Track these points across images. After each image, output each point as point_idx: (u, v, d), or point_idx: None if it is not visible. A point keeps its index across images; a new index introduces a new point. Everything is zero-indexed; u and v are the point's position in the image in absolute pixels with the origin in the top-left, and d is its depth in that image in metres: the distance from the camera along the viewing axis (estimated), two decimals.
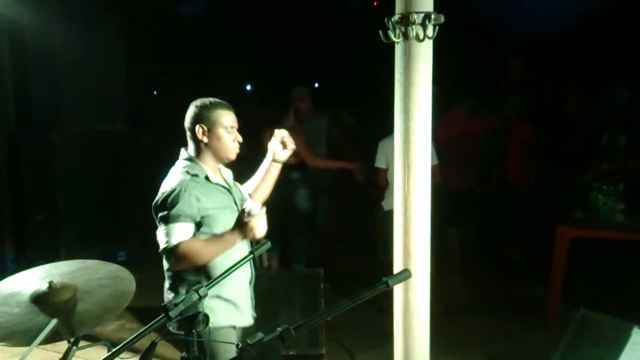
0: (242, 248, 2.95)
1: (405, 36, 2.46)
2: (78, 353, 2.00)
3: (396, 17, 2.46)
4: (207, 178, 2.94)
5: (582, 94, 7.67)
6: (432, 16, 2.42)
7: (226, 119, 2.95)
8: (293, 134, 3.51)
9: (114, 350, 1.72)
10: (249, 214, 2.84)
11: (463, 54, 8.99)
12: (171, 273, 2.96)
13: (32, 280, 2.10)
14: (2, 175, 7.02)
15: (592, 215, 5.51)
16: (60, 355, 2.00)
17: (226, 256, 2.85)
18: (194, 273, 2.89)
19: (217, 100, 2.99)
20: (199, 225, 2.86)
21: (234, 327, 3.02)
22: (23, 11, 6.62)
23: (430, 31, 2.44)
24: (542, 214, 6.40)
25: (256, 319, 3.24)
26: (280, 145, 3.30)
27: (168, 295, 2.98)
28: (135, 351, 1.95)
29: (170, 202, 2.78)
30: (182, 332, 1.93)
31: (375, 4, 10.98)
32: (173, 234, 2.76)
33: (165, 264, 2.96)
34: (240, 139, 3.00)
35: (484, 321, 5.61)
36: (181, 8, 10.14)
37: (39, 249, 6.82)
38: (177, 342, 3.10)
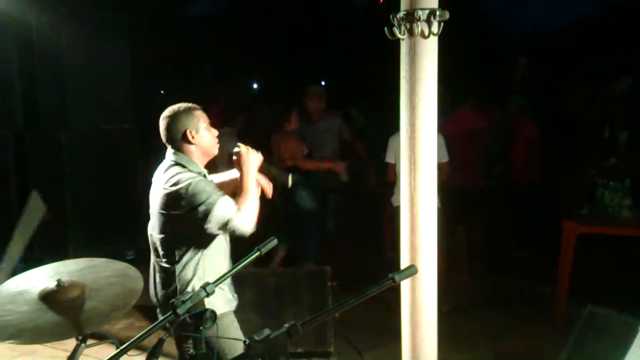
0: (224, 248, 3.21)
1: (411, 33, 2.46)
2: (86, 351, 2.01)
3: (401, 14, 2.46)
4: (204, 176, 3.17)
5: (586, 90, 7.64)
6: (437, 12, 2.42)
7: (204, 119, 3.16)
8: (289, 136, 3.58)
9: (121, 347, 1.72)
10: (239, 151, 3.13)
11: (468, 51, 8.99)
12: (168, 267, 3.09)
13: (40, 278, 2.12)
14: (10, 175, 7.06)
15: (599, 211, 5.49)
16: (68, 354, 2.01)
17: (215, 252, 3.12)
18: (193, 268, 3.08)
19: (188, 104, 3.17)
20: None
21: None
22: (30, 12, 6.65)
23: (435, 28, 2.44)
24: (548, 211, 6.38)
25: (261, 316, 3.32)
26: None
27: (160, 290, 3.15)
28: (143, 349, 1.96)
29: (199, 190, 2.96)
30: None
31: (381, 1, 10.96)
32: (227, 207, 2.96)
33: (161, 261, 3.12)
34: (217, 133, 3.23)
35: (491, 318, 5.61)
36: (188, 8, 10.16)
37: (48, 248, 6.84)
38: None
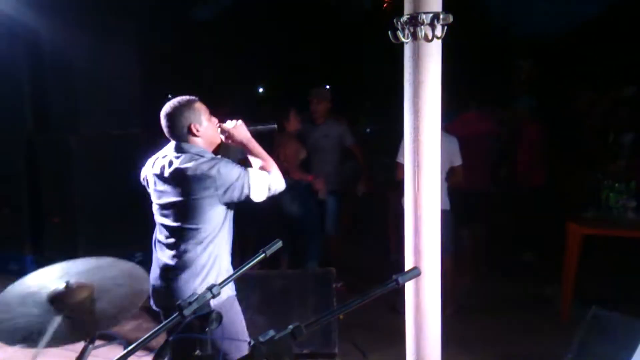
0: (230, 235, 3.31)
1: (414, 36, 2.48)
2: (94, 352, 2.03)
3: (405, 18, 2.48)
4: None
5: (591, 92, 7.65)
6: (441, 16, 2.43)
7: (204, 110, 3.24)
8: (289, 139, 3.66)
9: (129, 348, 1.74)
10: (230, 124, 3.31)
11: (472, 53, 8.99)
12: (185, 256, 3.16)
13: (49, 279, 2.13)
14: (21, 179, 7.11)
15: (604, 213, 5.49)
16: (76, 354, 2.03)
17: (225, 240, 3.25)
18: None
19: (186, 97, 3.25)
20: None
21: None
22: (40, 18, 6.69)
23: (439, 31, 2.46)
24: (553, 213, 6.38)
25: (267, 317, 3.39)
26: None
27: (185, 285, 3.15)
28: (150, 349, 1.98)
29: (229, 168, 3.12)
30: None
31: (385, 5, 10.98)
32: (259, 174, 3.20)
33: (175, 252, 3.18)
34: (217, 121, 3.32)
35: (495, 320, 5.61)
36: (194, 12, 10.19)
37: (57, 250, 6.88)
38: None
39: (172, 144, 3.26)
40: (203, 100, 3.31)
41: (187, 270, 3.16)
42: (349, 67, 11.66)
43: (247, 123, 3.42)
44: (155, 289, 3.27)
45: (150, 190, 3.36)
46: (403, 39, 2.50)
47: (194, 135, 3.19)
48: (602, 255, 6.36)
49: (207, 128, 3.22)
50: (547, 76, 10.10)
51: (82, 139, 7.04)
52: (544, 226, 6.63)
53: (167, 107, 3.22)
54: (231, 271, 3.22)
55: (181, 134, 3.20)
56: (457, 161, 5.54)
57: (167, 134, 3.26)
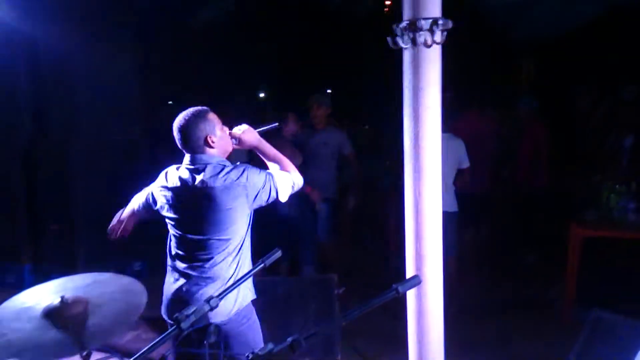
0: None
1: (413, 42, 2.46)
2: None
3: (404, 24, 2.47)
4: None
5: (593, 94, 7.63)
6: (440, 22, 2.42)
7: (217, 120, 3.22)
8: (285, 144, 3.70)
9: None
10: (238, 130, 3.32)
11: (473, 54, 8.97)
12: (213, 269, 3.16)
13: (45, 294, 2.12)
14: (19, 186, 7.09)
15: (605, 215, 5.48)
16: None
17: (248, 246, 3.28)
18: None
19: (199, 108, 3.21)
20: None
21: None
22: (38, 23, 6.68)
23: (438, 37, 2.45)
24: (555, 215, 6.37)
25: (268, 324, 3.40)
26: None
27: (229, 305, 3.14)
28: None
29: (254, 173, 3.17)
30: None
31: (386, 10, 10.98)
32: (281, 174, 3.29)
33: (203, 266, 3.17)
34: (227, 128, 3.30)
35: (498, 323, 5.59)
36: (195, 18, 10.18)
37: (56, 259, 6.87)
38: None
39: (187, 156, 3.23)
40: (205, 105, 3.28)
41: (218, 280, 3.15)
42: (349, 72, 11.65)
43: (251, 126, 3.42)
44: (175, 301, 3.22)
45: (165, 206, 3.29)
46: (402, 45, 2.49)
47: (210, 146, 3.17)
48: (604, 257, 6.34)
49: (221, 138, 3.21)
50: (548, 77, 10.09)
51: (80, 145, 7.02)
52: (547, 228, 6.61)
53: (180, 120, 3.17)
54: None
55: (196, 146, 3.16)
56: (465, 163, 5.57)
57: (181, 146, 3.22)
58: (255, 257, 2.19)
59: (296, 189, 3.34)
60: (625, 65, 8.24)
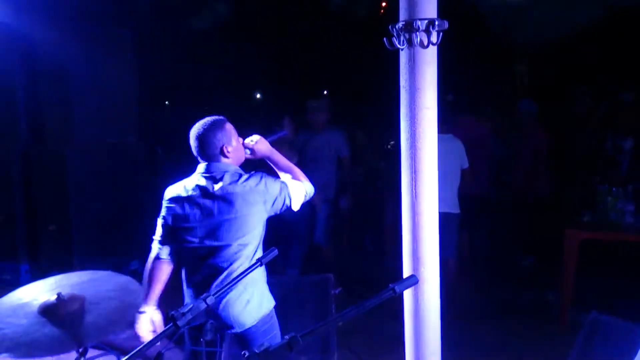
0: None
1: (410, 43, 2.47)
2: None
3: (400, 24, 2.47)
4: None
5: (591, 97, 7.64)
6: (436, 22, 2.42)
7: (233, 130, 3.27)
8: (279, 144, 3.76)
9: (124, 359, 1.72)
10: (251, 140, 3.37)
11: (472, 58, 8.99)
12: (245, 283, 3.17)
13: (43, 291, 2.12)
14: (16, 188, 7.09)
15: (601, 217, 5.48)
16: None
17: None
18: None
19: (216, 118, 3.27)
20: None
21: None
22: (35, 28, 6.68)
23: (434, 37, 2.45)
24: (552, 218, 6.37)
25: None
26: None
27: (237, 300, 3.17)
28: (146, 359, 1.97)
29: (271, 181, 3.27)
30: None
31: (381, 12, 10.99)
32: (294, 183, 3.36)
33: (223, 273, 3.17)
34: (241, 139, 3.36)
35: (495, 326, 5.59)
36: (192, 21, 10.19)
37: (53, 259, 6.87)
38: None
39: (202, 165, 3.27)
40: (202, 108, 3.32)
41: (239, 286, 3.13)
42: (344, 75, 11.66)
43: (262, 136, 3.47)
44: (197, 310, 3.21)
45: (179, 217, 3.26)
46: (398, 46, 2.49)
47: (225, 156, 3.23)
48: (601, 260, 6.34)
49: (236, 148, 3.28)
50: (546, 81, 10.11)
51: (77, 147, 7.02)
52: (545, 230, 6.61)
53: (199, 128, 3.22)
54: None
55: (213, 155, 3.22)
56: (465, 164, 5.61)
57: (197, 154, 3.26)
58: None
59: (308, 197, 3.41)
60: (623, 69, 8.25)
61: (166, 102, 11.20)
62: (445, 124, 4.85)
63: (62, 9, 6.53)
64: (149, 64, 8.58)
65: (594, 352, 3.90)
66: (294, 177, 3.41)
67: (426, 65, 2.49)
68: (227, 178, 3.17)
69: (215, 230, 3.17)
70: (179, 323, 1.79)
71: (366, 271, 6.94)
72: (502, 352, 5.06)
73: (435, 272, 2.67)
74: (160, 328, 3.05)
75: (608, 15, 8.60)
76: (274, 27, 10.90)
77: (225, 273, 3.16)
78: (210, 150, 3.20)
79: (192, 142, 3.23)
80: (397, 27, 2.47)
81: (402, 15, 2.47)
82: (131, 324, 2.01)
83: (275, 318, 3.38)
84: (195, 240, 3.20)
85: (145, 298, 3.06)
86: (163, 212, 3.30)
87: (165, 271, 3.28)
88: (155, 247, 3.31)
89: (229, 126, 3.26)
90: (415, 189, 2.61)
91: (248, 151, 3.37)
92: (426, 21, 2.41)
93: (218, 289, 2.03)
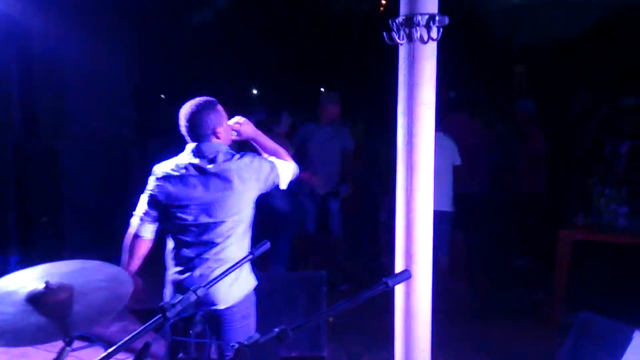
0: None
1: (409, 38, 2.45)
2: (77, 353, 1.99)
3: (400, 19, 2.45)
4: None
5: (587, 99, 7.64)
6: (437, 18, 2.41)
7: (224, 112, 3.27)
8: (275, 138, 3.80)
9: (109, 350, 1.70)
10: (237, 122, 3.41)
11: (471, 58, 8.99)
12: (235, 251, 3.23)
13: (30, 279, 2.09)
14: (9, 180, 7.04)
15: (595, 219, 5.48)
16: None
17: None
18: None
19: (208, 98, 3.25)
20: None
21: None
22: (29, 19, 6.64)
23: (434, 33, 2.43)
24: (546, 218, 6.37)
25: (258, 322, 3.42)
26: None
27: (240, 290, 3.22)
28: (133, 351, 1.94)
29: (262, 160, 3.32)
30: None
31: (381, 9, 10.97)
32: (283, 163, 3.39)
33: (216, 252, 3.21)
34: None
35: (486, 325, 5.58)
36: (189, 13, 10.15)
37: (44, 251, 6.83)
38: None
39: (191, 145, 3.24)
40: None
41: (228, 263, 3.11)
42: (342, 70, 11.65)
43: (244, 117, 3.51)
44: (185, 288, 3.20)
45: (172, 195, 3.24)
46: (398, 41, 2.48)
47: (216, 136, 3.23)
48: (593, 261, 6.34)
49: (225, 130, 3.29)
50: (545, 82, 10.11)
51: (71, 139, 6.99)
52: (537, 232, 6.62)
53: (191, 107, 3.19)
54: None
55: (204, 135, 3.20)
56: (457, 161, 5.63)
57: (187, 133, 3.23)
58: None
59: (293, 177, 3.46)
60: (622, 72, 8.26)
61: (162, 96, 11.17)
62: (438, 121, 4.87)
63: (56, 0, 6.49)
64: (145, 57, 8.54)
65: (584, 351, 3.92)
66: (279, 157, 3.44)
67: (425, 61, 2.48)
68: (221, 157, 3.18)
69: (209, 207, 3.17)
70: (169, 314, 1.76)
71: (360, 268, 6.93)
72: (492, 351, 5.05)
73: (428, 270, 2.66)
74: (143, 292, 3.18)
75: (609, 17, 8.61)
76: (273, 21, 10.88)
77: (217, 248, 3.19)
78: (202, 131, 3.18)
79: (183, 122, 3.20)
80: (397, 21, 2.46)
81: (403, 9, 2.46)
82: (118, 313, 1.98)
83: (254, 303, 3.36)
84: (190, 217, 3.20)
85: (128, 268, 3.28)
86: (151, 190, 3.28)
87: (144, 248, 3.34)
88: (135, 223, 3.34)
89: (220, 107, 3.26)
90: (410, 186, 2.60)
91: (234, 133, 3.39)
92: (427, 16, 2.40)
93: (210, 280, 2.01)
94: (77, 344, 1.98)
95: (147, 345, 1.82)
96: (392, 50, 2.55)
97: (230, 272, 2.06)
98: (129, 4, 7.45)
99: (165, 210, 3.25)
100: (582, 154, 7.17)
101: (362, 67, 10.49)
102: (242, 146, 3.60)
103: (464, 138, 6.34)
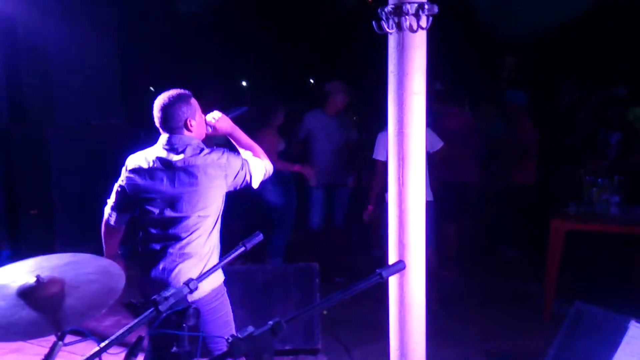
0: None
1: (399, 27, 2.44)
2: (71, 348, 1.98)
3: (389, 8, 2.44)
4: None
5: (576, 90, 7.65)
6: (426, 6, 2.40)
7: (197, 105, 3.29)
8: (268, 131, 3.78)
9: (101, 345, 1.69)
10: (213, 117, 3.38)
11: (460, 48, 8.99)
12: (200, 246, 3.22)
13: (21, 272, 2.07)
14: None
15: (587, 208, 5.48)
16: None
17: (218, 239, 3.33)
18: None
19: (181, 91, 3.27)
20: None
21: None
22: (17, 7, 6.57)
23: (424, 22, 2.43)
24: (539, 209, 6.38)
25: (249, 312, 3.42)
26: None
27: (188, 274, 3.14)
28: (126, 345, 1.93)
29: (233, 156, 3.29)
30: None
31: (370, 0, 10.94)
32: (255, 160, 3.39)
33: (180, 245, 3.20)
34: (204, 116, 3.37)
35: (479, 316, 5.59)
36: (178, 3, 10.10)
37: (34, 244, 6.79)
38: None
39: (164, 136, 3.26)
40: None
41: (195, 257, 3.20)
42: (335, 61, 11.63)
43: (222, 112, 3.49)
44: (152, 279, 3.24)
45: (140, 187, 3.28)
46: (387, 30, 2.46)
47: (188, 129, 3.23)
48: (586, 250, 6.36)
49: (199, 124, 3.28)
50: (535, 72, 10.12)
51: (60, 129, 6.93)
52: (529, 222, 6.63)
53: (164, 99, 3.22)
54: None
55: (176, 127, 3.21)
56: (437, 145, 5.55)
57: (159, 125, 3.26)
58: (236, 241, 2.19)
59: (267, 175, 3.45)
60: (613, 62, 8.27)
61: (151, 88, 11.12)
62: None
63: None
64: (134, 45, 8.49)
65: (578, 341, 3.92)
66: (255, 155, 3.44)
67: (415, 50, 2.47)
68: (189, 151, 3.19)
69: (175, 201, 3.18)
70: (161, 308, 1.76)
71: (354, 260, 6.93)
72: (485, 342, 5.06)
73: (421, 260, 2.66)
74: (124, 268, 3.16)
75: (600, 7, 8.61)
76: (262, 12, 10.84)
77: (183, 242, 3.19)
78: (173, 123, 3.20)
79: (156, 113, 3.24)
80: (386, 10, 2.45)
81: None
82: (112, 308, 1.96)
83: (225, 297, 3.33)
84: (156, 210, 3.23)
85: (105, 253, 3.48)
86: (121, 181, 3.35)
87: (115, 234, 3.51)
88: (106, 212, 3.46)
89: (193, 101, 3.27)
90: (402, 176, 2.59)
91: (210, 128, 3.39)
92: (416, 5, 2.39)
93: (201, 273, 2.00)
94: (70, 338, 1.96)
95: (140, 339, 1.81)
96: (382, 40, 2.54)
97: (221, 265, 2.05)
98: None
99: (133, 202, 3.32)
100: (573, 143, 7.17)
101: (351, 57, 10.47)
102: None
103: (456, 128, 6.34)
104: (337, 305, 1.83)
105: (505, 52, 11.32)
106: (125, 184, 3.32)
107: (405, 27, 2.42)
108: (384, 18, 2.45)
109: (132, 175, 3.29)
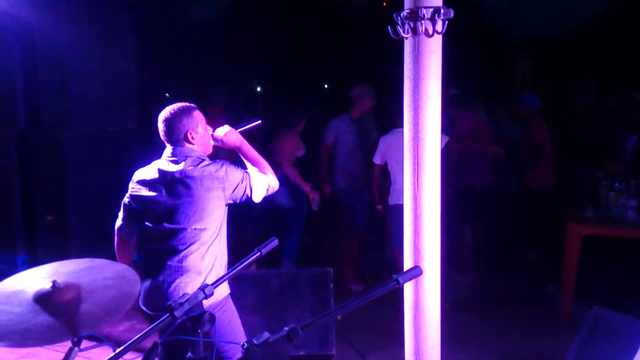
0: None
1: (414, 31, 2.43)
2: (86, 353, 1.98)
3: (405, 13, 2.44)
4: None
5: (592, 92, 7.59)
6: (442, 11, 2.39)
7: (201, 118, 3.35)
8: (291, 135, 3.78)
9: (118, 350, 1.69)
10: (220, 132, 3.40)
11: (473, 52, 8.95)
12: (199, 259, 3.22)
13: (38, 278, 2.08)
14: (13, 177, 7.03)
15: (604, 213, 5.44)
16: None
17: (223, 250, 3.35)
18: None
19: (185, 104, 3.34)
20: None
21: None
22: (34, 12, 6.61)
23: (439, 26, 2.42)
24: (555, 212, 6.34)
25: (263, 318, 3.46)
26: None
27: (187, 286, 3.18)
28: (142, 351, 1.93)
29: (233, 169, 3.29)
30: None
31: (384, 4, 10.93)
32: (258, 176, 3.37)
33: (182, 257, 3.21)
34: (212, 131, 3.41)
35: (496, 320, 5.57)
36: (194, 9, 10.13)
37: (50, 250, 6.81)
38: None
39: (168, 148, 3.34)
40: (201, 100, 3.38)
41: (192, 271, 3.22)
42: (346, 67, 11.62)
43: (233, 125, 3.51)
44: (151, 291, 3.28)
45: (142, 199, 3.36)
46: (403, 34, 2.46)
47: (189, 141, 3.29)
48: (603, 255, 6.31)
49: (202, 136, 3.33)
50: (550, 75, 10.06)
51: (76, 135, 6.95)
52: (545, 225, 6.59)
53: (166, 112, 3.31)
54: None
55: (177, 139, 3.29)
56: (443, 140, 5.53)
57: (162, 137, 3.35)
58: (253, 246, 2.19)
59: (271, 191, 3.45)
60: (630, 65, 8.21)
61: (166, 95, 11.16)
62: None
63: None
64: (150, 51, 8.52)
65: (596, 346, 3.88)
66: (260, 170, 3.44)
67: (431, 54, 2.46)
68: (188, 162, 3.24)
69: (172, 213, 3.22)
70: (176, 313, 1.76)
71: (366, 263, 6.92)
72: (502, 345, 5.04)
73: (436, 265, 2.64)
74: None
75: (616, 9, 8.55)
76: (277, 17, 10.85)
77: (180, 255, 3.21)
78: (175, 135, 3.27)
79: (159, 126, 3.32)
80: (401, 15, 2.44)
81: (407, 3, 2.44)
82: (126, 313, 1.97)
83: (232, 308, 3.36)
84: (156, 222, 3.28)
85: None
86: (128, 194, 3.44)
87: (127, 246, 3.56)
88: (117, 224, 3.56)
89: (196, 113, 3.32)
90: (417, 181, 2.58)
91: (217, 142, 3.43)
92: (432, 9, 2.38)
93: (215, 280, 2.01)
94: (85, 343, 1.96)
95: (155, 345, 1.81)
96: (398, 45, 2.54)
97: (235, 271, 2.05)
98: None
99: (138, 214, 3.38)
100: (589, 146, 7.11)
101: (366, 63, 10.45)
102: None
103: (472, 132, 6.32)
104: (353, 310, 1.82)
105: (519, 55, 11.27)
106: (131, 196, 3.40)
107: (420, 32, 2.41)
108: (399, 23, 2.44)
109: (136, 188, 3.38)
